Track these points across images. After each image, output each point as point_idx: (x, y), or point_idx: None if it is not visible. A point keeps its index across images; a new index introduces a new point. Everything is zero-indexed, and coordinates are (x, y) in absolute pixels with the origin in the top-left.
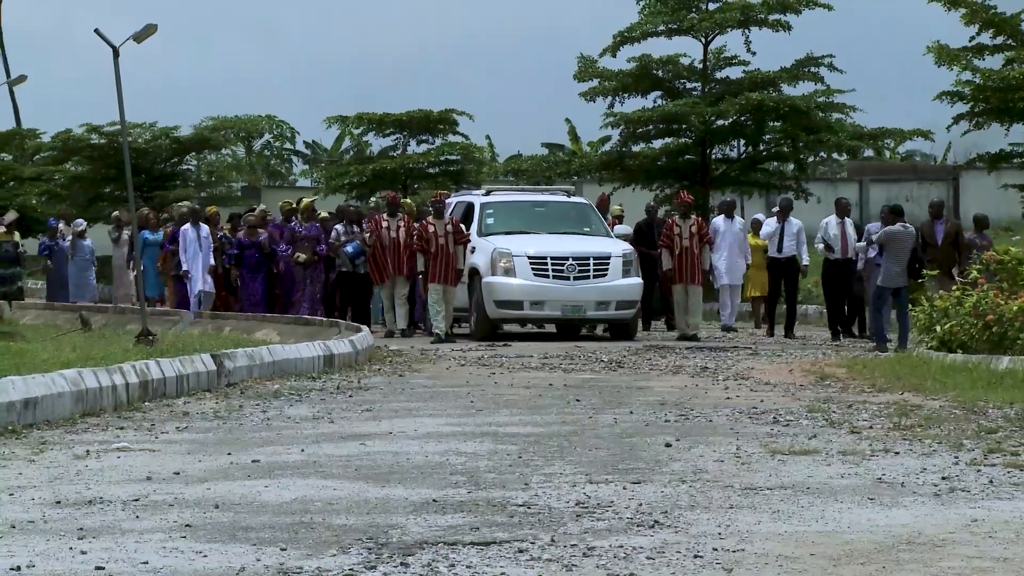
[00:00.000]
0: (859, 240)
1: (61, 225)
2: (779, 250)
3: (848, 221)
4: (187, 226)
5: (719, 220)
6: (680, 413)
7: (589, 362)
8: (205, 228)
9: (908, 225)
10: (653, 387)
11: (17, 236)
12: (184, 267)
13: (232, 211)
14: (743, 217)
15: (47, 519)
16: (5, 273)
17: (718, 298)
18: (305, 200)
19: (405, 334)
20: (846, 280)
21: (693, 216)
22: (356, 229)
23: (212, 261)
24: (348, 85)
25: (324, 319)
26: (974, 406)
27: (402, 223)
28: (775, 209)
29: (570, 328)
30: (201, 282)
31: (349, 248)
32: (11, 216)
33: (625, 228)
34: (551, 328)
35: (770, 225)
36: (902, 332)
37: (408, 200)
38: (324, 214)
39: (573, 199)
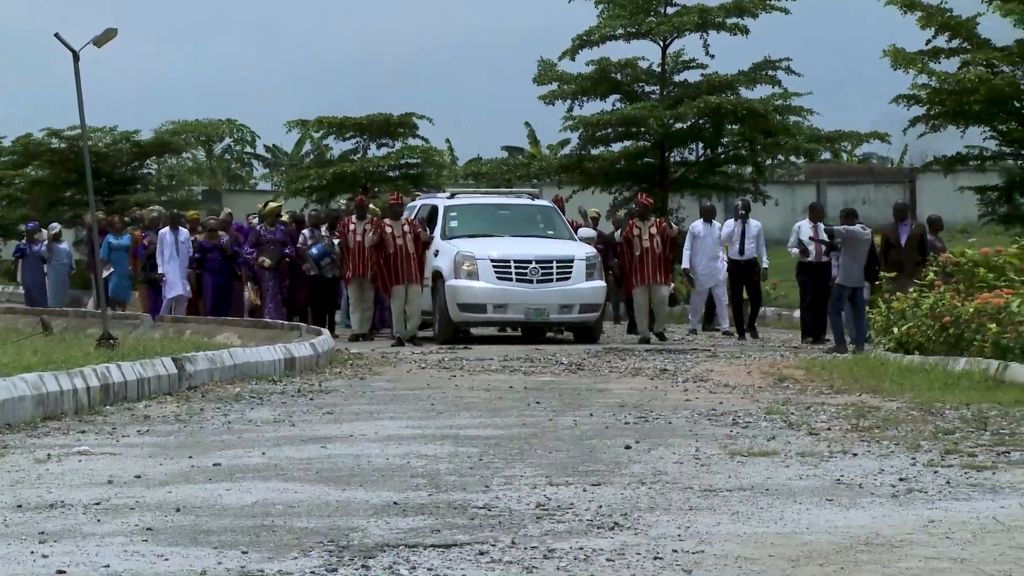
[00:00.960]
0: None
1: (44, 230)
2: (740, 252)
3: (821, 225)
4: (165, 230)
5: (699, 224)
6: (639, 415)
7: (549, 365)
8: (184, 232)
9: (866, 227)
10: (613, 389)
11: None
12: (160, 270)
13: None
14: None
15: (8, 523)
16: None
17: (690, 301)
18: (271, 204)
19: (366, 337)
20: (822, 283)
21: (653, 217)
22: (323, 232)
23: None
24: (306, 90)
25: (285, 322)
26: (931, 407)
27: (368, 226)
28: (740, 212)
29: (535, 331)
30: (181, 287)
31: (314, 250)
32: None
33: (589, 231)
34: (516, 332)
35: (729, 227)
36: (859, 333)
37: (373, 206)
38: (285, 216)
39: (537, 202)
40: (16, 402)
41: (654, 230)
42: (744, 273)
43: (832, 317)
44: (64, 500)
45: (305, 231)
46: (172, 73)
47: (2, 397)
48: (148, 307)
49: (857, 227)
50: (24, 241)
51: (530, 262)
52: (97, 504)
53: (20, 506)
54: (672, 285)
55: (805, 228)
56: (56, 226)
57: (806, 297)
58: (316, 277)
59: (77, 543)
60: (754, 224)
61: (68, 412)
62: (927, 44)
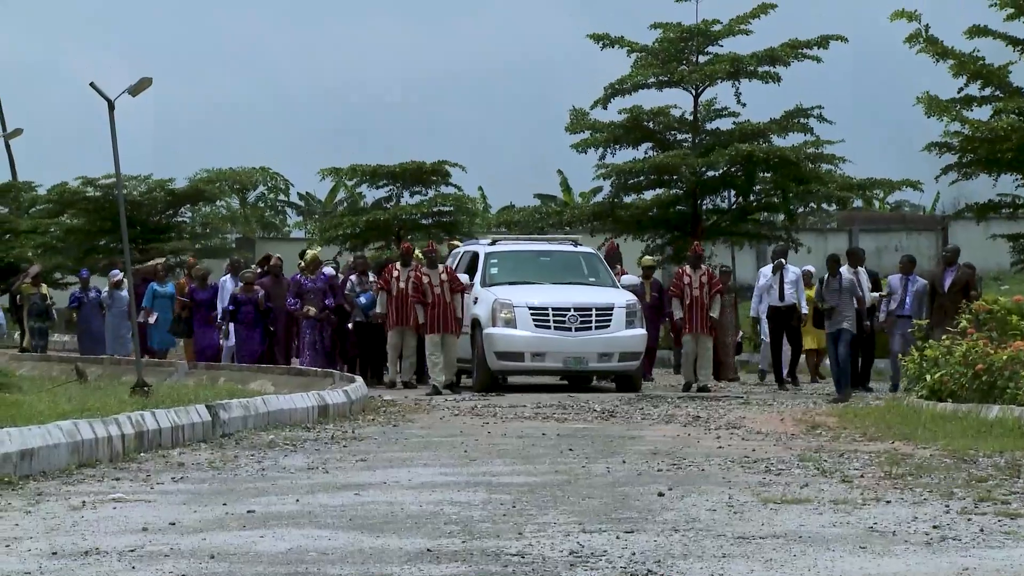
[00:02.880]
0: (873, 290)
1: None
2: (780, 299)
3: (862, 271)
4: (227, 277)
5: (767, 271)
6: (672, 462)
7: (582, 412)
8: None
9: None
10: (645, 436)
11: (45, 288)
12: (219, 319)
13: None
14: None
15: (44, 570)
16: (37, 326)
17: (760, 350)
18: (309, 252)
19: (408, 385)
20: (863, 331)
21: (704, 266)
22: (371, 279)
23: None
24: (341, 139)
25: (318, 369)
26: (964, 455)
27: (412, 273)
28: (780, 259)
29: (579, 380)
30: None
31: (362, 298)
32: (36, 268)
33: (632, 279)
34: (563, 380)
35: (765, 276)
36: (843, 376)
37: (418, 253)
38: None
39: (579, 248)
40: (51, 449)
41: (704, 279)
42: (783, 319)
43: (831, 363)
44: (99, 547)
45: (352, 278)
46: (205, 121)
47: (37, 444)
48: (194, 356)
49: (844, 274)
50: (79, 289)
51: (568, 310)
52: (132, 551)
53: (55, 553)
54: (741, 332)
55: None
56: (118, 273)
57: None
58: (364, 324)
59: None
60: (792, 270)
61: (103, 459)
62: (959, 92)
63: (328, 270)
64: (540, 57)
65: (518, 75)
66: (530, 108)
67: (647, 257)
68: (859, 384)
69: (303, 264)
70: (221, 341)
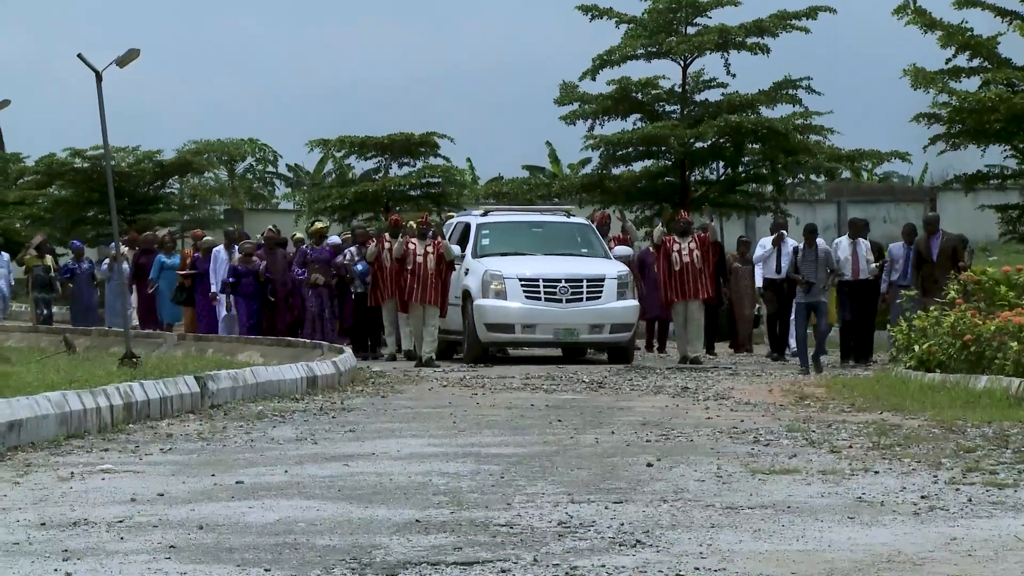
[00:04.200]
0: (875, 261)
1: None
2: (777, 271)
3: (861, 242)
4: (220, 248)
5: (767, 241)
6: (661, 433)
7: (571, 383)
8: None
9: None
10: (634, 407)
11: (49, 260)
12: (214, 289)
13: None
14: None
15: (32, 541)
16: (41, 297)
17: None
18: (317, 225)
19: (414, 357)
20: (865, 302)
21: (692, 233)
22: (370, 249)
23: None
24: (329, 110)
25: (307, 340)
26: (952, 425)
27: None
28: (780, 232)
29: (573, 352)
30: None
31: (359, 267)
32: (39, 238)
33: (626, 250)
34: (557, 352)
35: (764, 247)
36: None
37: (412, 224)
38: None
39: (572, 219)
40: (40, 420)
41: (694, 245)
42: (780, 292)
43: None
44: (87, 518)
45: (351, 248)
46: (194, 93)
47: (26, 415)
48: (196, 328)
49: (819, 245)
50: (72, 260)
51: (559, 281)
52: (120, 522)
53: (44, 524)
54: (759, 305)
55: (844, 245)
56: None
57: (845, 315)
58: (362, 295)
59: (100, 561)
60: (791, 243)
61: (91, 430)
62: (947, 63)
63: (335, 239)
64: (529, 29)
65: (507, 49)
66: (519, 81)
67: (659, 228)
68: (861, 358)
69: (309, 231)
70: (221, 312)
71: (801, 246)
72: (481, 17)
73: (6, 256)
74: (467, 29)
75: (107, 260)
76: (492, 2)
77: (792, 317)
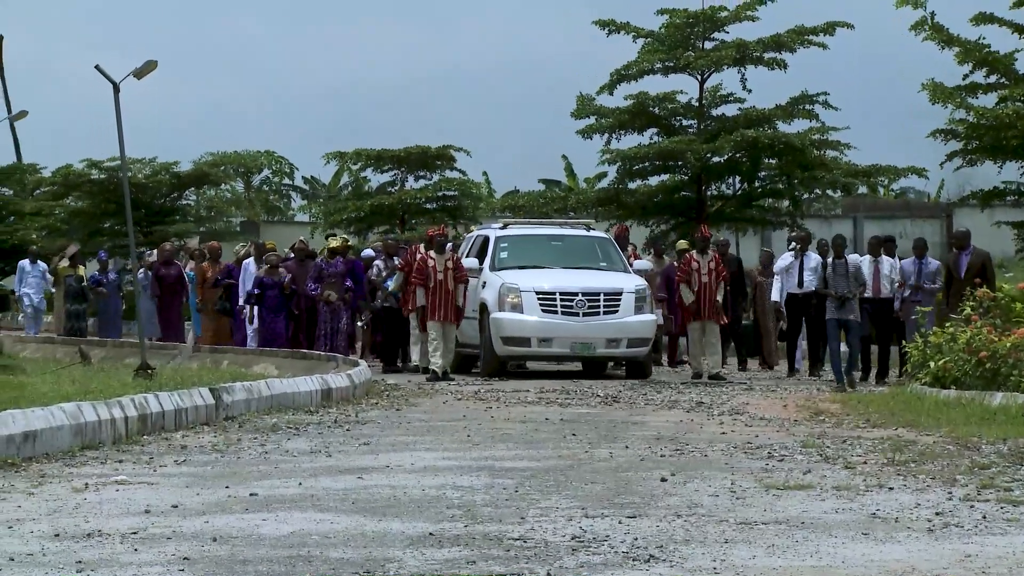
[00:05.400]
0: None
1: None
2: (799, 285)
3: (885, 259)
4: (250, 260)
5: (790, 255)
6: (675, 448)
7: (585, 397)
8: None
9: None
10: (649, 422)
11: (81, 270)
12: (241, 302)
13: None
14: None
15: (46, 552)
16: (73, 308)
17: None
18: (332, 243)
19: (447, 377)
20: (884, 320)
21: (711, 252)
22: (396, 263)
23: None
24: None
25: (322, 353)
26: (967, 442)
27: (450, 262)
28: (796, 246)
29: (594, 366)
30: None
31: (389, 283)
32: (73, 248)
33: (645, 263)
34: (577, 367)
35: (786, 260)
36: (850, 364)
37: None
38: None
39: (591, 233)
40: (54, 431)
41: (712, 264)
42: (802, 307)
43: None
44: (101, 529)
45: (379, 262)
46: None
47: (40, 426)
48: (219, 340)
49: (849, 258)
50: (98, 271)
51: (576, 294)
52: (134, 534)
53: (58, 535)
54: (783, 322)
55: (866, 264)
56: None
57: (864, 331)
58: (390, 309)
59: (114, 572)
60: (813, 256)
61: (106, 442)
62: (964, 79)
63: (368, 252)
64: (546, 44)
65: (524, 62)
66: (535, 94)
67: (682, 241)
68: (879, 376)
69: (326, 248)
70: (248, 325)
71: (830, 259)
72: (499, 31)
73: (42, 266)
74: (485, 41)
75: (141, 272)
76: (511, 16)
77: (801, 333)
